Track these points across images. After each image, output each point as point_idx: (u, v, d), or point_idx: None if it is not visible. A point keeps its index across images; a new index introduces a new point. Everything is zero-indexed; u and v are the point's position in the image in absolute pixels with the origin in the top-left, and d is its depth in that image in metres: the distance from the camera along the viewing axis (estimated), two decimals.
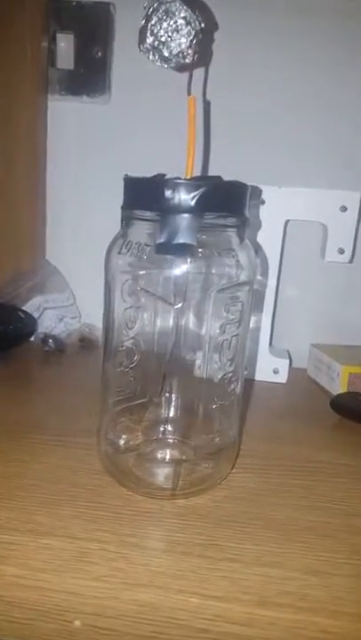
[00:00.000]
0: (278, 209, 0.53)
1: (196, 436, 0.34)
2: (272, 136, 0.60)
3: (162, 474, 0.34)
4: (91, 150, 0.64)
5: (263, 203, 0.53)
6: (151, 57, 0.31)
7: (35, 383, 0.53)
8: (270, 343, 0.58)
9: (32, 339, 0.61)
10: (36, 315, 0.63)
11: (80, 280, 0.66)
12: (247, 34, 0.59)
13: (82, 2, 0.61)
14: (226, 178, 0.31)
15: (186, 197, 0.29)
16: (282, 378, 0.57)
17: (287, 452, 0.41)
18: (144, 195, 0.30)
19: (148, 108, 0.62)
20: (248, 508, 0.33)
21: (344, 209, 0.53)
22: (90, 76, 0.63)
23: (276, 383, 0.57)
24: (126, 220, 0.32)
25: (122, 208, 0.32)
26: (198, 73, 0.56)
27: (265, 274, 0.54)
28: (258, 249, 0.52)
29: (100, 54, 0.62)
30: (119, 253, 0.32)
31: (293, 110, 0.60)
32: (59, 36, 0.62)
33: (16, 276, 0.63)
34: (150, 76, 0.60)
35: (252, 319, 0.56)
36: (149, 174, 0.32)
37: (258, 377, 0.57)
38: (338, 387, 0.53)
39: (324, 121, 0.60)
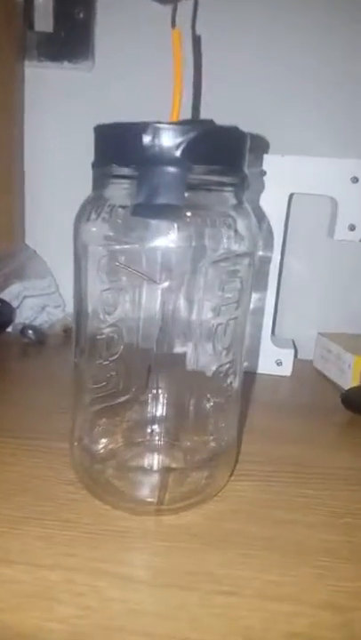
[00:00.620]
0: (281, 181, 0.47)
1: (187, 439, 0.29)
2: (274, 96, 0.54)
3: (146, 485, 0.28)
4: (73, 122, 0.58)
5: (264, 173, 0.47)
6: None
7: (9, 379, 0.48)
8: (273, 331, 0.52)
9: (9, 330, 0.56)
10: (15, 303, 0.58)
11: (63, 266, 0.60)
12: None
13: None
14: None
15: (170, 145, 0.23)
16: (286, 370, 0.52)
17: (294, 456, 0.35)
18: (119, 145, 0.25)
19: (135, 74, 0.56)
20: (249, 526, 0.28)
21: (355, 180, 0.48)
22: (71, 39, 0.57)
23: (280, 376, 0.51)
24: (99, 179, 0.26)
25: (92, 165, 0.27)
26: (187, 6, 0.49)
27: (267, 250, 0.48)
28: (261, 218, 0.47)
29: (81, 15, 0.56)
30: (88, 220, 0.26)
31: (299, 65, 0.53)
32: None
33: None
34: (139, 38, 0.54)
35: (252, 303, 0.50)
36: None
37: (259, 369, 0.51)
38: (349, 379, 0.47)
39: (335, 78, 0.53)
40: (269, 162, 0.47)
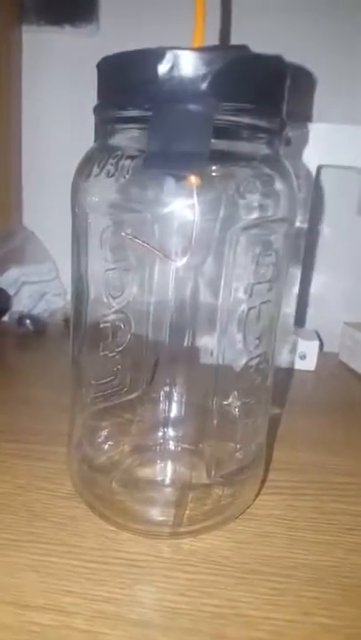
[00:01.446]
0: (308, 151, 0.42)
1: (209, 446, 0.24)
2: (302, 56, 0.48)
3: (159, 502, 0.23)
4: (76, 93, 0.53)
5: (289, 143, 0.42)
6: None
7: (4, 373, 0.43)
8: (296, 322, 0.47)
9: (6, 318, 0.51)
10: (12, 290, 0.53)
11: (64, 250, 0.55)
12: None
13: None
14: None
15: (192, 77, 0.18)
16: (310, 364, 0.47)
17: (325, 463, 0.31)
18: (127, 80, 0.19)
19: (144, 38, 0.50)
20: (281, 552, 0.23)
21: None
22: (73, 1, 0.51)
23: (303, 371, 0.46)
24: (103, 126, 0.21)
25: (94, 110, 0.21)
26: None
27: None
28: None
29: None
30: (89, 176, 0.21)
31: (333, 27, 0.47)
32: None
33: None
34: None
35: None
36: None
37: (281, 363, 0.46)
38: None
39: None
40: (295, 129, 0.42)
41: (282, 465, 0.30)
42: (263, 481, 0.27)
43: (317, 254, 0.52)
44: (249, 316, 0.22)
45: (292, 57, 0.48)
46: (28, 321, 0.50)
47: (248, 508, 0.25)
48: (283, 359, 0.46)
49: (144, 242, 0.24)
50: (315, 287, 0.52)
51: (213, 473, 0.23)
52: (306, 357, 0.47)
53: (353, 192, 0.47)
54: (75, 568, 0.21)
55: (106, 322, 0.26)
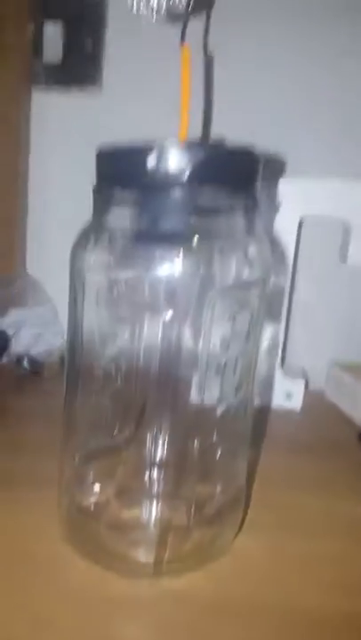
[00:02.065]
0: (292, 203, 0.45)
1: (190, 490, 0.26)
2: (283, 117, 0.52)
3: (142, 542, 0.25)
4: (80, 148, 0.56)
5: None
6: (135, 7, 0.24)
7: (1, 415, 0.45)
8: (282, 360, 0.50)
9: (4, 359, 0.53)
10: (11, 332, 0.55)
11: (65, 294, 0.58)
12: None
13: None
14: None
15: (176, 167, 0.21)
16: (296, 403, 0.49)
17: (308, 505, 0.32)
18: (121, 169, 0.23)
19: (143, 99, 0.54)
20: (260, 592, 0.25)
21: None
22: (79, 66, 0.56)
23: (289, 410, 0.48)
24: (99, 205, 0.24)
25: (93, 191, 0.24)
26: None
27: (278, 276, 0.46)
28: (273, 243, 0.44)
29: (91, 43, 0.56)
30: (86, 247, 0.24)
31: (311, 88, 0.52)
32: (46, 24, 0.55)
33: None
34: (146, 65, 0.53)
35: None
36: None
37: (266, 403, 0.48)
38: None
39: (348, 96, 0.52)
40: (280, 183, 0.45)
41: (262, 505, 0.31)
42: (243, 521, 0.28)
43: (304, 298, 0.54)
44: (226, 367, 0.24)
45: (278, 109, 0.51)
46: (25, 361, 0.53)
47: (228, 548, 0.27)
48: (269, 398, 0.48)
49: (134, 298, 0.26)
50: (301, 328, 0.55)
51: (193, 515, 0.25)
52: (292, 397, 0.49)
53: (334, 241, 0.50)
54: (57, 606, 0.23)
55: (98, 369, 0.28)
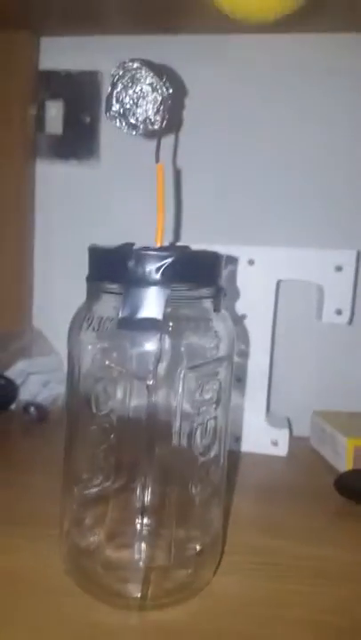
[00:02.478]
0: (269, 269, 0.51)
1: (172, 533, 0.30)
2: (260, 196, 0.59)
3: (130, 580, 0.29)
4: (79, 213, 0.63)
5: (252, 263, 0.51)
6: (118, 124, 0.30)
7: (10, 460, 0.49)
8: (268, 410, 0.54)
9: (13, 407, 0.58)
10: (19, 380, 0.60)
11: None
12: (231, 91, 0.58)
13: (70, 71, 0.61)
14: (212, 240, 0.29)
15: (150, 269, 0.26)
16: (282, 450, 0.52)
17: (283, 548, 0.36)
18: (108, 266, 0.28)
19: (135, 170, 0.61)
20: (232, 624, 0.28)
21: (339, 269, 0.51)
22: (78, 140, 0.63)
23: (276, 456, 0.52)
24: (91, 293, 0.29)
25: (87, 279, 0.30)
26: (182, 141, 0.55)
27: (258, 337, 0.50)
28: (242, 317, 0.50)
29: (88, 120, 0.62)
30: (80, 329, 0.29)
31: (283, 169, 0.58)
32: (48, 103, 0.62)
33: (0, 340, 0.60)
34: (138, 139, 0.59)
35: (247, 385, 0.52)
36: (132, 240, 0.29)
37: (255, 449, 0.52)
38: (343, 462, 0.48)
39: (315, 177, 0.58)
40: (257, 252, 0.51)
41: (241, 548, 0.35)
42: (220, 562, 0.32)
43: (286, 354, 0.59)
44: (199, 430, 0.29)
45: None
46: (32, 408, 0.57)
47: (205, 586, 0.31)
48: (257, 445, 0.52)
49: (122, 367, 0.31)
50: (286, 380, 0.59)
51: (173, 557, 0.29)
52: (278, 444, 0.53)
53: (310, 301, 0.55)
54: (59, 630, 0.27)
55: (93, 425, 0.33)
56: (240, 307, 0.51)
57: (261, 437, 0.52)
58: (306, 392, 0.60)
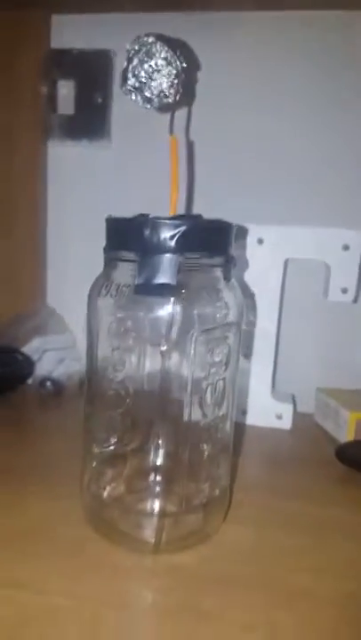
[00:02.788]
0: (277, 248, 0.52)
1: (184, 486, 0.32)
2: (271, 174, 0.60)
3: (145, 527, 0.31)
4: (91, 194, 0.65)
5: (262, 242, 0.52)
6: (133, 97, 0.32)
7: (30, 428, 0.52)
8: (273, 386, 0.56)
9: (30, 382, 0.60)
10: (35, 357, 0.62)
11: (81, 323, 0.64)
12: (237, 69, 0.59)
13: (82, 50, 0.62)
14: (224, 216, 0.31)
15: (165, 237, 0.28)
16: (286, 424, 0.54)
17: (286, 506, 0.38)
18: (124, 235, 0.30)
19: (147, 150, 0.62)
20: (237, 568, 0.31)
21: (346, 248, 0.52)
22: (90, 121, 0.64)
23: (280, 429, 0.54)
24: (108, 262, 0.31)
25: (104, 250, 0.32)
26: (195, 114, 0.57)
27: (266, 314, 0.52)
28: (251, 295, 0.52)
29: (100, 100, 0.64)
30: (99, 295, 0.31)
31: (293, 148, 0.59)
32: (59, 83, 0.63)
33: (16, 318, 0.63)
34: (149, 119, 0.61)
35: (253, 361, 0.54)
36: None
37: (261, 423, 0.54)
38: (345, 434, 0.50)
39: (325, 158, 0.59)
40: (267, 230, 0.52)
41: (247, 506, 0.37)
42: (226, 514, 0.34)
43: (292, 331, 0.61)
44: (208, 389, 0.31)
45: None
46: (49, 383, 0.60)
47: (214, 534, 0.33)
48: (262, 418, 0.54)
49: (137, 334, 0.33)
50: (292, 358, 0.61)
51: (184, 505, 0.31)
52: (282, 417, 0.55)
53: (317, 279, 0.57)
54: (81, 571, 0.29)
55: (111, 390, 0.35)
56: (249, 284, 0.53)
57: (267, 411, 0.54)
58: (311, 370, 0.61)
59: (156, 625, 0.26)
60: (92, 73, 0.63)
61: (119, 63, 0.62)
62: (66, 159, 0.65)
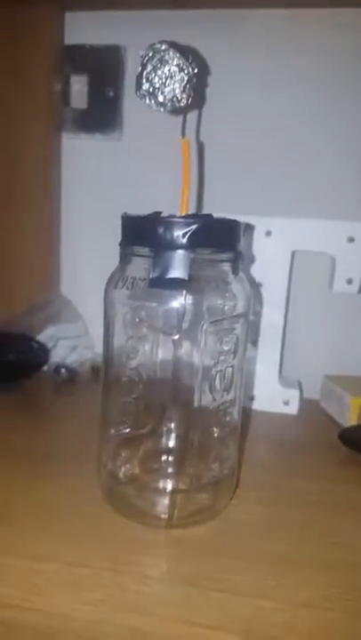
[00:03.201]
0: (285, 240, 0.54)
1: (194, 466, 0.35)
2: (278, 170, 0.62)
3: (159, 504, 0.34)
4: (103, 186, 0.67)
5: (269, 234, 0.54)
6: (147, 102, 0.33)
7: (46, 412, 0.54)
8: (280, 373, 0.58)
9: (45, 368, 0.63)
10: (49, 345, 0.65)
11: (93, 312, 0.67)
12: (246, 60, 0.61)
13: (94, 46, 0.64)
14: (232, 208, 0.32)
15: (177, 234, 0.30)
16: (292, 409, 0.57)
17: (291, 485, 0.40)
18: (139, 232, 0.32)
19: (157, 143, 0.64)
20: (245, 541, 0.33)
21: (352, 240, 0.54)
22: (102, 114, 0.65)
23: (287, 415, 0.56)
24: (124, 256, 0.33)
25: (120, 245, 0.34)
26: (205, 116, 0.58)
27: (274, 304, 0.54)
28: (258, 285, 0.53)
29: (112, 94, 0.65)
30: (115, 288, 0.33)
31: (298, 144, 0.61)
32: (73, 78, 0.65)
33: (31, 307, 0.65)
34: (160, 113, 0.63)
35: (261, 349, 0.56)
36: (157, 210, 0.33)
37: (268, 408, 0.56)
38: (348, 419, 0.52)
39: (331, 151, 0.60)
40: (274, 223, 0.54)
41: (255, 486, 0.40)
42: (234, 492, 0.37)
43: (299, 321, 0.62)
44: (217, 376, 0.33)
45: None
46: (63, 370, 0.62)
47: (223, 511, 0.35)
48: (270, 404, 0.57)
49: (151, 324, 0.35)
50: (299, 347, 0.63)
51: (194, 483, 0.34)
52: (289, 403, 0.57)
53: (323, 271, 0.59)
54: (100, 544, 0.32)
55: (125, 376, 0.37)
56: (257, 276, 0.54)
57: (274, 397, 0.57)
58: (317, 358, 0.63)
59: (170, 590, 0.28)
60: (104, 68, 0.64)
61: (130, 58, 0.63)
62: (79, 152, 0.67)
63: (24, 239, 0.65)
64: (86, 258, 0.68)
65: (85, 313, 0.68)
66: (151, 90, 0.32)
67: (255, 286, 0.54)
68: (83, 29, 0.63)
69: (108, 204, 0.66)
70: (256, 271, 0.54)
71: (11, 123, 0.60)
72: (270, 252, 0.54)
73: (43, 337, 0.65)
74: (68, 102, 0.66)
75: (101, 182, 0.67)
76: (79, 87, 0.66)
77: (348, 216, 0.56)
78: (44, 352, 0.63)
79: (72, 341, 0.67)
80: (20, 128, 0.61)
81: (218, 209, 0.40)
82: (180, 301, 0.32)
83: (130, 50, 0.63)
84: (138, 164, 0.65)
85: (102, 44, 0.63)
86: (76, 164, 0.67)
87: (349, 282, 0.55)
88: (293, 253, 0.55)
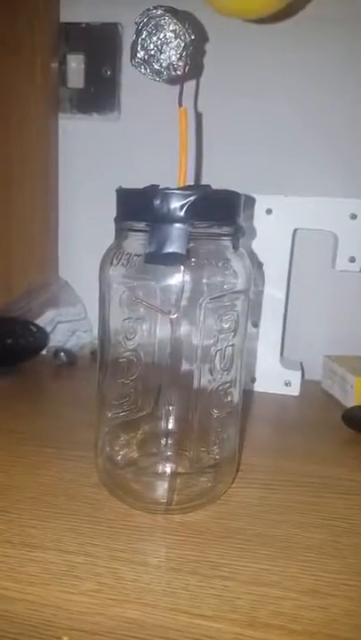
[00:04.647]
0: (286, 218, 0.52)
1: (194, 448, 0.34)
2: (278, 145, 0.60)
3: (157, 488, 0.33)
4: (101, 166, 0.65)
5: (270, 212, 0.52)
6: (143, 70, 0.32)
7: (44, 397, 0.54)
8: (282, 354, 0.57)
9: (44, 352, 0.62)
10: (48, 328, 0.64)
11: (92, 295, 0.66)
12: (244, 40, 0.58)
13: (91, 23, 0.62)
14: (233, 186, 0.31)
15: (175, 207, 0.28)
16: (294, 390, 0.56)
17: (293, 467, 0.40)
18: (135, 206, 0.30)
19: (155, 123, 0.62)
20: (247, 525, 0.32)
21: (354, 217, 0.52)
22: (100, 94, 0.64)
23: (289, 396, 0.55)
24: (119, 232, 0.32)
25: (115, 220, 0.32)
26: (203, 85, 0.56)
27: (275, 283, 0.53)
28: (260, 265, 0.52)
29: (109, 73, 0.63)
30: (111, 264, 0.32)
31: (299, 119, 0.59)
32: (69, 56, 0.63)
33: (29, 291, 0.64)
34: (157, 91, 0.61)
35: (262, 330, 0.55)
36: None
37: (270, 389, 0.56)
38: (352, 399, 0.51)
39: (330, 128, 0.59)
40: (275, 201, 0.52)
41: (256, 468, 0.39)
42: (235, 475, 0.36)
43: (300, 300, 0.61)
44: (217, 355, 0.32)
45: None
46: (62, 354, 0.61)
47: (224, 495, 0.35)
48: (271, 385, 0.56)
49: (148, 303, 0.34)
50: (300, 327, 0.62)
51: (195, 466, 0.33)
52: (291, 384, 0.56)
53: (325, 249, 0.57)
54: (97, 530, 0.31)
55: (123, 358, 0.36)
56: (258, 254, 0.53)
57: (275, 378, 0.56)
58: (319, 338, 0.62)
59: (169, 579, 0.28)
60: (101, 46, 0.63)
61: (127, 36, 0.61)
62: (76, 131, 0.65)
63: (21, 221, 0.63)
64: (84, 240, 0.67)
65: (84, 296, 0.67)
66: (146, 57, 0.31)
67: (256, 263, 0.52)
68: (78, 7, 0.61)
69: (107, 185, 0.64)
70: (257, 250, 0.53)
71: (6, 103, 0.58)
72: (271, 230, 0.53)
73: (41, 321, 0.64)
74: (65, 82, 0.64)
75: (99, 161, 0.65)
76: (76, 66, 0.64)
77: (350, 193, 0.54)
78: (43, 336, 0.62)
79: (71, 325, 0.66)
80: (16, 108, 0.60)
81: (216, 185, 0.39)
82: (177, 278, 0.31)
83: (127, 27, 0.61)
84: (135, 145, 0.64)
85: (99, 21, 0.61)
86: (74, 143, 0.65)
87: (352, 260, 0.53)
88: (295, 231, 0.53)
